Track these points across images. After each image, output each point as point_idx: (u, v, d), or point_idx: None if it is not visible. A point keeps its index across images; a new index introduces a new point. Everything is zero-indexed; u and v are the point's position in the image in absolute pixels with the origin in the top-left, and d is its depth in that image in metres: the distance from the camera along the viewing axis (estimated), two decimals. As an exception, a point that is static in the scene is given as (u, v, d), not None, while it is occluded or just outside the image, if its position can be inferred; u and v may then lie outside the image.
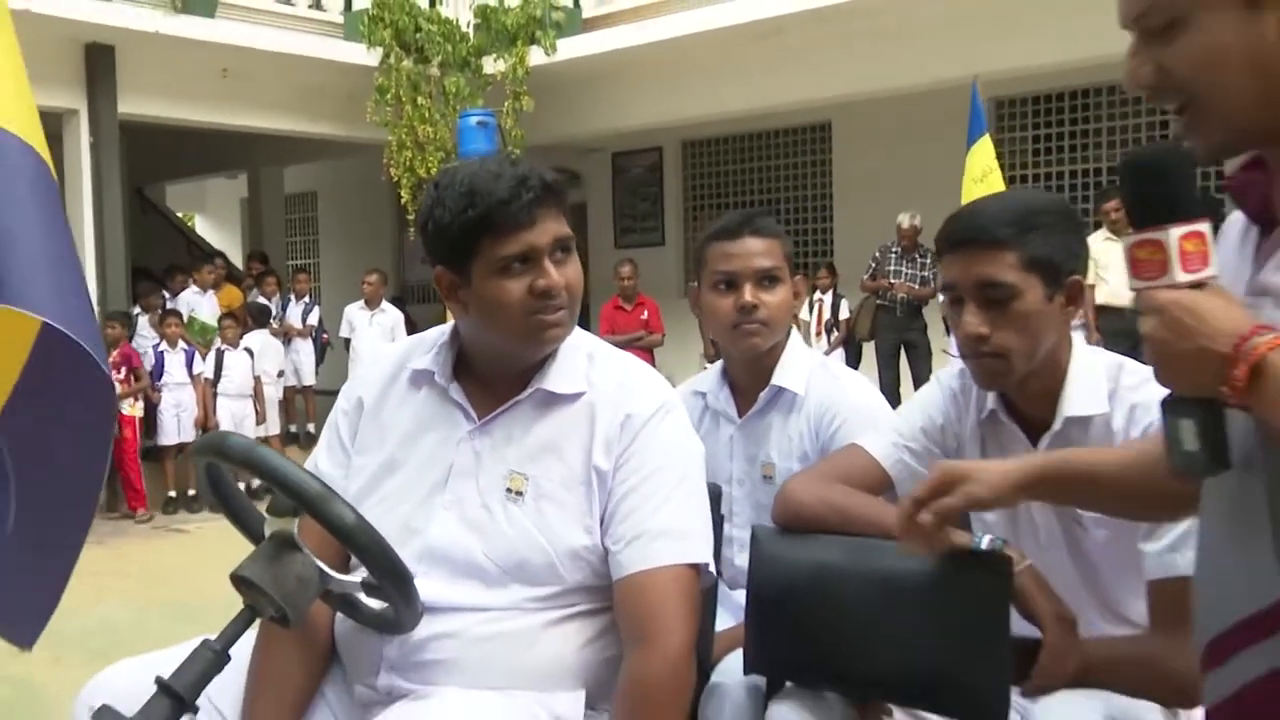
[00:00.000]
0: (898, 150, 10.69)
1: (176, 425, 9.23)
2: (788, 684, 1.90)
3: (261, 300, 10.94)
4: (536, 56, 10.43)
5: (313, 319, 10.97)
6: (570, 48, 10.39)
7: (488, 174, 1.80)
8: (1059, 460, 1.65)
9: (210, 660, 1.51)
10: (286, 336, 10.59)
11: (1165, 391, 1.22)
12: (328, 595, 1.68)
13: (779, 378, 2.40)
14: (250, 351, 9.80)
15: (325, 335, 11.06)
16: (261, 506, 1.72)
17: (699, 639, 1.85)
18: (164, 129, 10.29)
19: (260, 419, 9.74)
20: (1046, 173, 10.71)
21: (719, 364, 2.56)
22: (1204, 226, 1.16)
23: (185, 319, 9.99)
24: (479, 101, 10.38)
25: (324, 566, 1.62)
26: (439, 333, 1.98)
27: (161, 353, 9.35)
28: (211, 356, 9.52)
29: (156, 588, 7.07)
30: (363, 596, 1.69)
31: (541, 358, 1.87)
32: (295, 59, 9.94)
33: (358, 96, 10.19)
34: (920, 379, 9.44)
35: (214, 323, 10.08)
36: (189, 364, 9.39)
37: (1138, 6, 1.20)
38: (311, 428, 10.86)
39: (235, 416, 9.51)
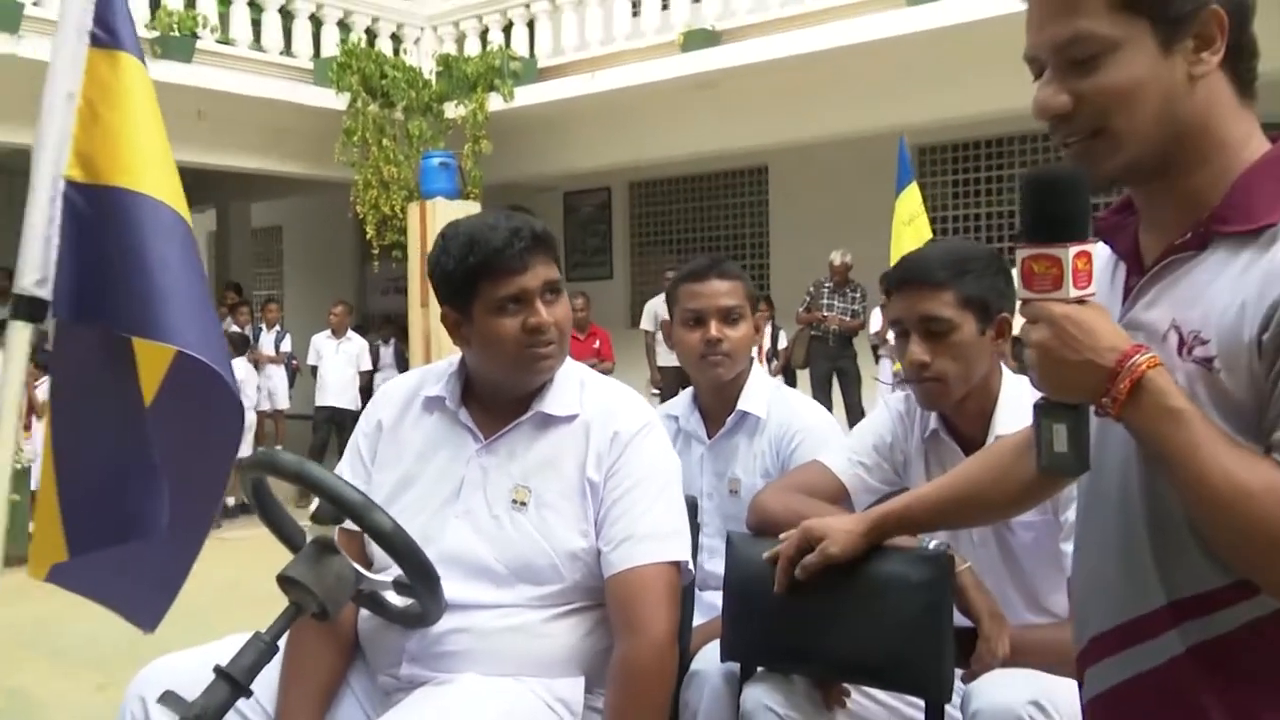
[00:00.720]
0: (829, 192, 10.80)
1: (152, 447, 9.19)
2: (759, 669, 2.00)
3: (236, 329, 10.87)
4: (495, 103, 10.44)
5: (285, 346, 10.90)
6: (526, 95, 10.39)
7: (486, 226, 1.91)
8: (884, 512, 1.87)
9: (262, 650, 1.57)
10: (257, 363, 10.50)
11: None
12: (358, 595, 1.75)
13: (744, 403, 2.52)
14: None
15: (295, 361, 10.96)
16: (298, 516, 1.83)
17: (680, 631, 1.93)
18: (138, 166, 10.25)
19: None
20: (965, 214, 10.88)
21: (689, 390, 2.67)
22: (1091, 247, 1.17)
23: None
24: (440, 144, 10.39)
25: (359, 567, 1.70)
26: (448, 363, 2.07)
27: (137, 378, 9.31)
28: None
29: (136, 601, 7.02)
30: (389, 595, 1.77)
31: (538, 385, 1.96)
32: (267, 102, 9.87)
33: (325, 138, 10.14)
34: (851, 403, 9.58)
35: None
36: (164, 389, 9.33)
37: (1064, 36, 1.18)
38: (280, 449, 10.77)
39: (207, 439, 9.44)
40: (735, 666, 2.03)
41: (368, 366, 10.39)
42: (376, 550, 1.85)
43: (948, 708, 1.82)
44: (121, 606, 1.35)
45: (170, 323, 1.06)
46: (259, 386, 10.40)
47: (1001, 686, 1.75)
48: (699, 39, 9.39)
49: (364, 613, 1.91)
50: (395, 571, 1.74)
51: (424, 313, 9.48)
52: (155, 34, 9.10)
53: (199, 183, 12.16)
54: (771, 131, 9.85)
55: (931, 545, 1.86)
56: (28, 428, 8.54)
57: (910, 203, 6.34)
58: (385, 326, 11.93)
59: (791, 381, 10.20)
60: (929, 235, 6.64)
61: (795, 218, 11.57)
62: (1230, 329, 1.13)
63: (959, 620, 1.83)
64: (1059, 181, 1.18)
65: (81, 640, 5.74)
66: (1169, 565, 1.20)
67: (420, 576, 1.68)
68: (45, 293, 0.99)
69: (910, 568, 1.83)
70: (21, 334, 1.00)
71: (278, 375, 10.77)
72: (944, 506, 1.78)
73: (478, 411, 1.99)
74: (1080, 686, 1.34)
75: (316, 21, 10.61)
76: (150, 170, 1.07)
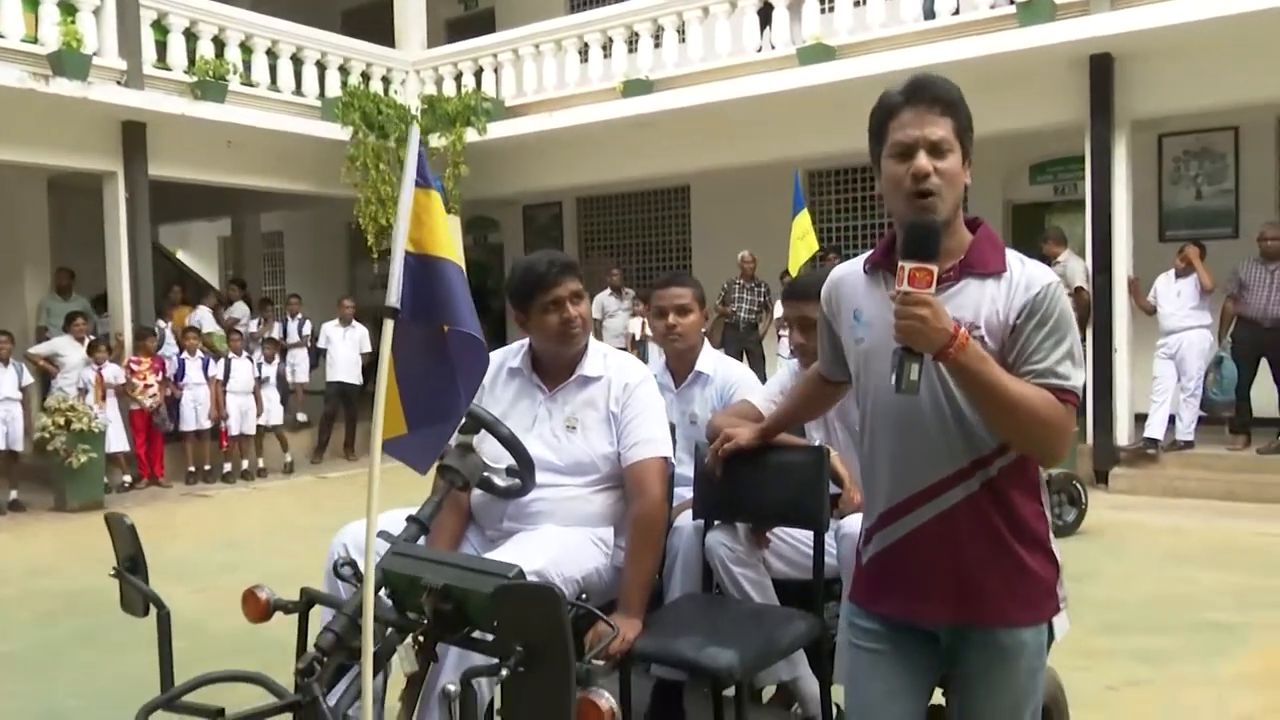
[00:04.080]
0: (739, 208, 11.36)
1: (194, 415, 9.54)
2: (716, 523, 2.61)
3: (231, 317, 11.22)
4: (471, 135, 10.80)
5: (305, 331, 11.12)
6: (496, 129, 10.79)
7: (537, 260, 2.58)
8: (764, 424, 2.52)
9: (435, 505, 2.16)
10: (282, 350, 10.72)
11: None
12: (481, 479, 2.30)
13: (699, 365, 3.27)
14: (251, 359, 10.19)
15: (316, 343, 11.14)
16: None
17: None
18: (165, 183, 10.46)
19: (260, 411, 10.01)
20: (842, 225, 11.48)
21: (663, 357, 3.41)
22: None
23: (204, 331, 10.25)
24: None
25: (485, 460, 2.29)
26: (520, 344, 2.73)
27: (183, 359, 9.69)
28: (221, 362, 9.90)
29: (201, 532, 7.58)
30: (496, 480, 2.35)
31: (575, 353, 2.61)
32: (282, 134, 10.24)
33: (328, 162, 10.52)
34: (758, 376, 10.29)
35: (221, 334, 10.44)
36: (204, 368, 9.66)
37: (938, 135, 1.62)
38: (302, 416, 11.13)
39: (240, 409, 9.79)
40: (701, 522, 2.64)
41: (369, 349, 10.73)
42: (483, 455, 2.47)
43: (826, 536, 2.54)
44: (410, 460, 2.02)
45: (455, 315, 1.77)
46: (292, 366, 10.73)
47: (856, 521, 2.39)
48: (636, 87, 9.99)
49: (475, 491, 2.46)
50: (501, 467, 2.36)
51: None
52: (194, 79, 9.51)
53: (220, 197, 12.43)
54: (693, 160, 10.44)
55: (816, 443, 2.67)
56: (102, 398, 8.93)
57: (802, 224, 7.12)
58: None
59: (710, 359, 10.84)
60: (816, 248, 7.44)
61: (711, 228, 12.09)
62: (994, 319, 1.65)
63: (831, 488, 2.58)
64: (931, 225, 1.58)
65: (173, 560, 6.37)
66: (969, 440, 1.65)
67: (524, 462, 2.34)
68: (396, 304, 1.72)
69: (803, 456, 2.56)
70: (388, 326, 1.73)
71: (300, 356, 11.02)
72: (786, 414, 2.47)
73: (542, 375, 2.67)
74: (882, 527, 1.73)
75: (321, 66, 10.98)
76: (443, 244, 1.78)
